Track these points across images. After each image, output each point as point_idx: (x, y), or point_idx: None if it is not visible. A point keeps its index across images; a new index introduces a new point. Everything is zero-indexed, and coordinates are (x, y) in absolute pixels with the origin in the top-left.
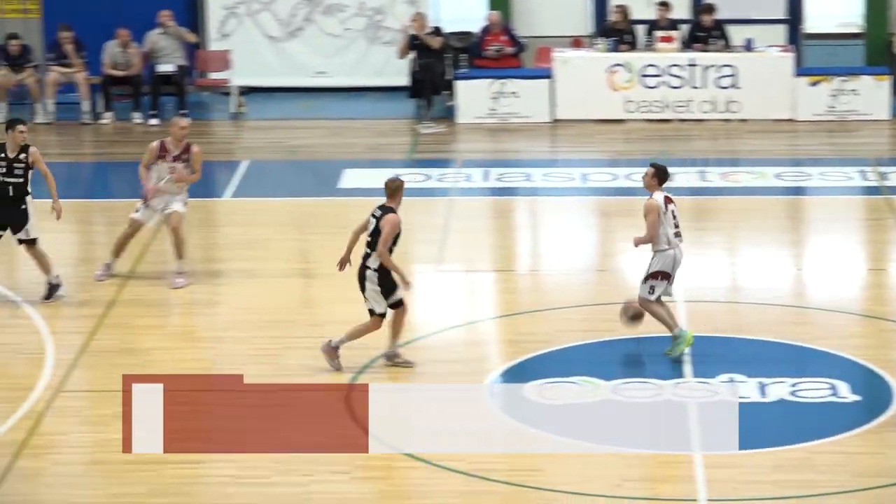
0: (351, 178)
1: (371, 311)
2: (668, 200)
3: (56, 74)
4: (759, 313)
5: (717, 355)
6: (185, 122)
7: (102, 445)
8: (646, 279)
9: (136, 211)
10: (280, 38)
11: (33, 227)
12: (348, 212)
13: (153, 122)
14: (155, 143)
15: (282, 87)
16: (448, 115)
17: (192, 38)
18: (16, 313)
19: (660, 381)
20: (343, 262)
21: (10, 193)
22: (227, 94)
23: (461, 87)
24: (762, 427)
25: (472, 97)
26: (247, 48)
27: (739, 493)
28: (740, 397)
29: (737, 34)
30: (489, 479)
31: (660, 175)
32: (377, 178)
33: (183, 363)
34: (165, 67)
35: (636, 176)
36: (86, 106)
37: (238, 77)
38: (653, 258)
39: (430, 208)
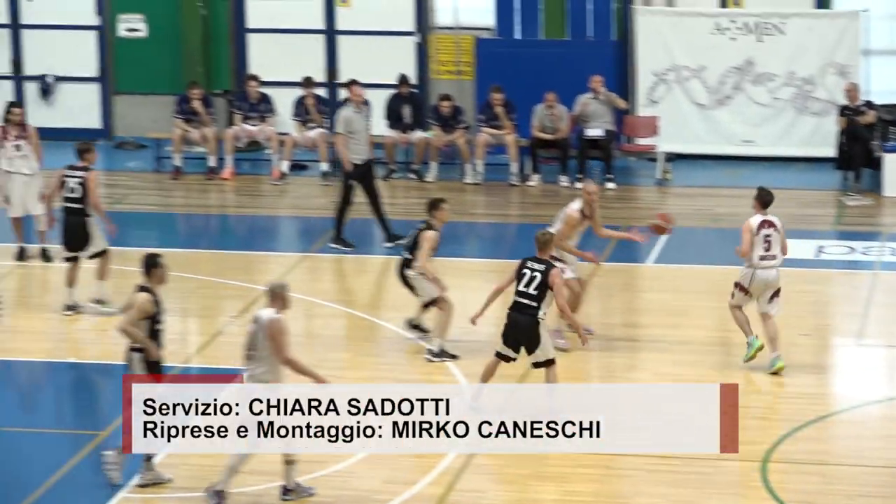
0: None
1: (540, 364)
2: (765, 224)
3: (486, 136)
4: None
5: None
6: (593, 186)
7: None
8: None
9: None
10: (708, 106)
11: None
12: None
13: (579, 185)
14: (575, 214)
15: (708, 154)
16: (875, 187)
17: (623, 104)
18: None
19: None
20: (476, 318)
21: None
22: (654, 160)
23: (889, 159)
24: None
25: None
26: (674, 115)
27: None
28: None
29: None
30: None
31: (760, 199)
32: (802, 248)
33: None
34: (594, 132)
35: None
36: (514, 168)
37: (665, 143)
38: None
39: (854, 281)
